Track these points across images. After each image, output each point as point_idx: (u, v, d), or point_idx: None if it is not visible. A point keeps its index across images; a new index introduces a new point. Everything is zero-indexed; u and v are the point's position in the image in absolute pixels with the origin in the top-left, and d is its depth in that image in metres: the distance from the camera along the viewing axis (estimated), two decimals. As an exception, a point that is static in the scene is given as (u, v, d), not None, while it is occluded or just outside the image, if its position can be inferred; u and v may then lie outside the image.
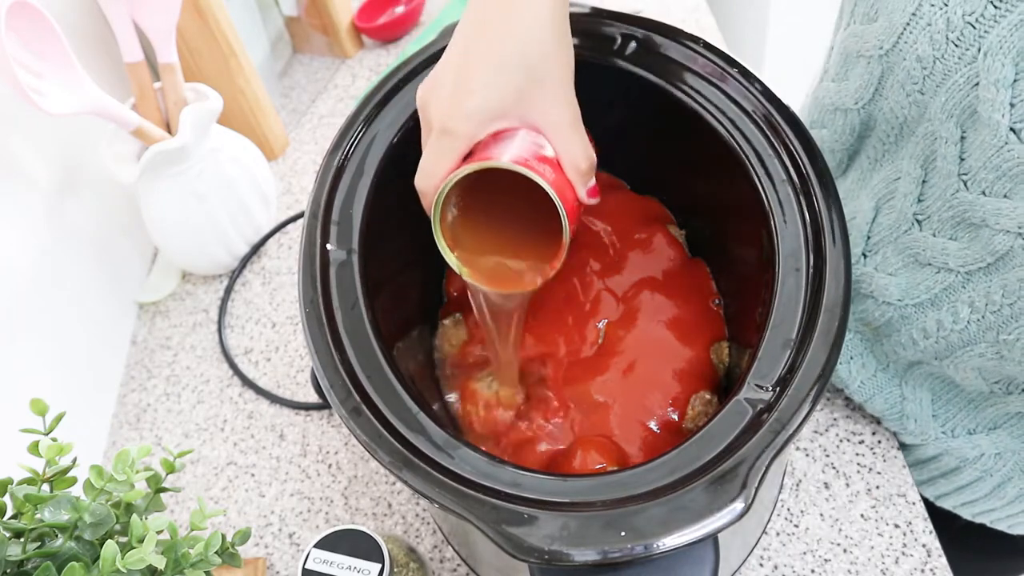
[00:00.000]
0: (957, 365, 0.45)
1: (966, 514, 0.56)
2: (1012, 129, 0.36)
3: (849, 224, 0.49)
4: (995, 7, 0.36)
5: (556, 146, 0.40)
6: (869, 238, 0.49)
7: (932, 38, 0.40)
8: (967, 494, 0.54)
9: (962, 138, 0.40)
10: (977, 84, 0.38)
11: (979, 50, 0.37)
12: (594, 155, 0.41)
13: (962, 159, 0.40)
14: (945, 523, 0.55)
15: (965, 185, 0.41)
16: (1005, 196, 0.38)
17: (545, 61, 0.39)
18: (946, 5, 0.39)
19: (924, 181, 0.44)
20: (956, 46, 0.39)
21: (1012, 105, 0.36)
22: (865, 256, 0.49)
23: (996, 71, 0.36)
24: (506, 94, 0.39)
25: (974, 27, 0.37)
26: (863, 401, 0.55)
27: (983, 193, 0.39)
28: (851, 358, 0.54)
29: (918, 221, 0.45)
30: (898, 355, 0.50)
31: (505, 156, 0.37)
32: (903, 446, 0.56)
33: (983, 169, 0.39)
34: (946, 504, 0.57)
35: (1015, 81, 0.36)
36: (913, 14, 0.40)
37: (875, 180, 0.48)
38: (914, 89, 0.42)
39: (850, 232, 0.48)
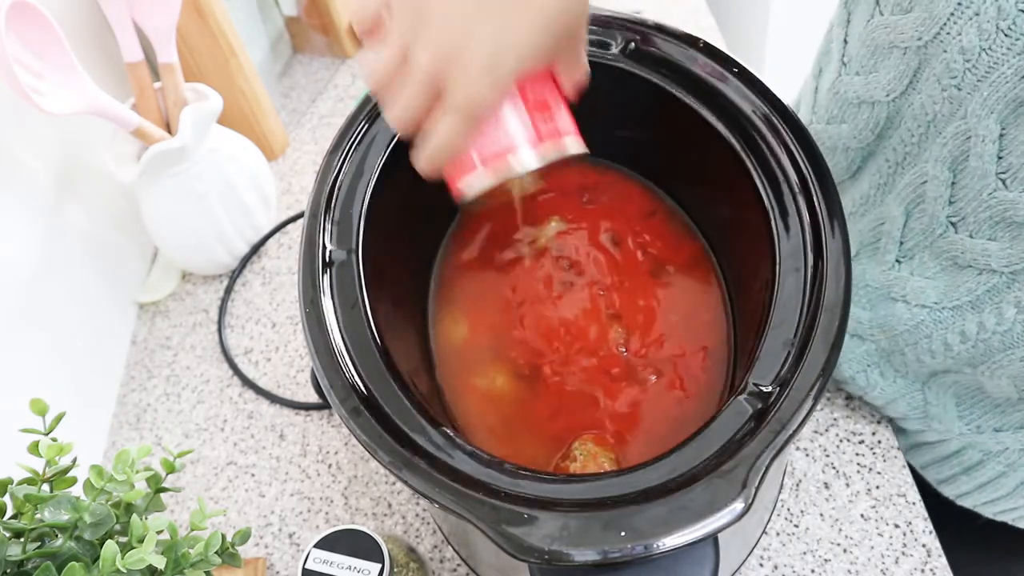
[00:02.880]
0: (993, 371, 0.45)
1: (988, 512, 0.55)
2: None
3: (879, 231, 0.50)
4: None
5: (566, 87, 0.37)
6: (902, 243, 0.48)
7: (980, 28, 0.38)
8: (989, 491, 0.54)
9: (1001, 135, 0.39)
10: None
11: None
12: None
13: (1000, 157, 0.39)
14: (964, 521, 0.55)
15: (1004, 184, 0.40)
16: None
17: (583, 16, 0.36)
18: None
19: (953, 183, 0.43)
20: (1007, 36, 0.37)
21: None
22: (899, 262, 0.48)
23: None
24: (545, 58, 0.35)
25: None
26: (883, 404, 0.54)
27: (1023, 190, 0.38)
28: (868, 367, 0.53)
29: (952, 224, 0.44)
30: (922, 363, 0.49)
31: (523, 143, 0.36)
32: (917, 445, 0.55)
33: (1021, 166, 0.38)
34: (967, 502, 0.56)
35: None
36: (959, 3, 0.39)
37: (900, 185, 0.47)
38: (951, 84, 0.41)
39: (881, 239, 0.49)
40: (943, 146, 0.43)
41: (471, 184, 0.37)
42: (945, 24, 0.40)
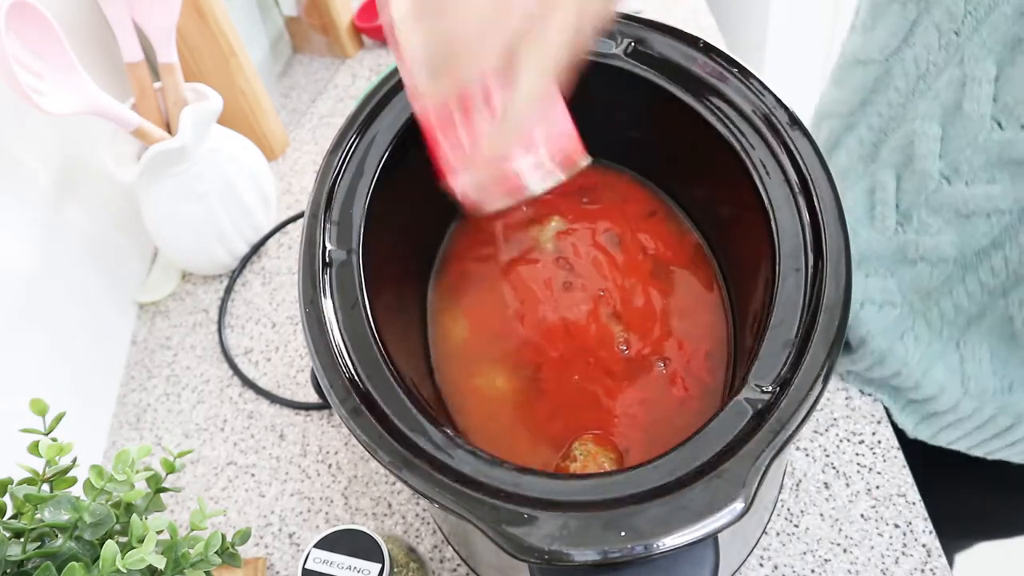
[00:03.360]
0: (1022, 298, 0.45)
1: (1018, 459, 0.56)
2: None
3: (872, 200, 0.51)
4: None
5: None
6: (898, 207, 0.49)
7: None
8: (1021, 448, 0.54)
9: (997, 77, 0.39)
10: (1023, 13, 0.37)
11: None
12: None
13: (995, 100, 0.40)
14: (1000, 471, 0.56)
15: (999, 125, 0.40)
16: None
17: None
18: None
19: (943, 137, 0.44)
20: None
21: None
22: (900, 225, 0.49)
23: None
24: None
25: None
26: (922, 376, 0.54)
27: (1022, 127, 0.39)
28: (903, 335, 0.53)
29: (945, 177, 0.45)
30: (959, 310, 0.49)
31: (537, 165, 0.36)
32: (948, 425, 0.55)
33: (1020, 104, 0.38)
34: (1002, 454, 0.56)
35: None
36: None
37: (886, 151, 0.48)
38: (950, 29, 0.41)
39: (876, 207, 0.50)
40: (934, 99, 0.43)
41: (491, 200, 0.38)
42: None
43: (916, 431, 0.57)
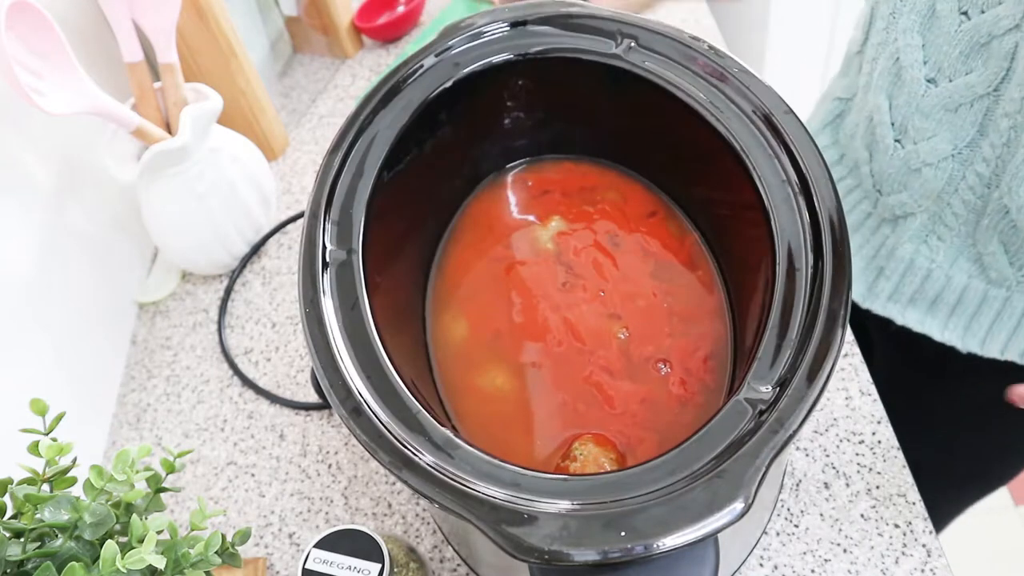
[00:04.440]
0: (1012, 187, 0.50)
1: None
2: None
3: (870, 125, 0.58)
4: None
5: None
6: (893, 124, 0.55)
7: None
8: None
9: None
10: None
11: None
12: None
13: None
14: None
15: (967, 15, 0.46)
16: (999, 2, 0.44)
17: None
18: None
19: (923, 45, 0.50)
20: None
21: None
22: (899, 142, 0.55)
23: None
24: None
25: None
26: (949, 268, 0.58)
27: (981, 11, 0.45)
28: (927, 237, 0.59)
29: (930, 81, 0.51)
30: (967, 206, 0.54)
31: None
32: (989, 325, 0.59)
33: None
34: None
35: None
36: None
37: (877, 74, 0.55)
38: None
39: (876, 129, 0.58)
40: (911, 11, 0.50)
41: None
42: None
43: (965, 342, 0.61)
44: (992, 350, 0.61)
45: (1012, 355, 0.60)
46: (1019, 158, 0.49)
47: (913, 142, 0.55)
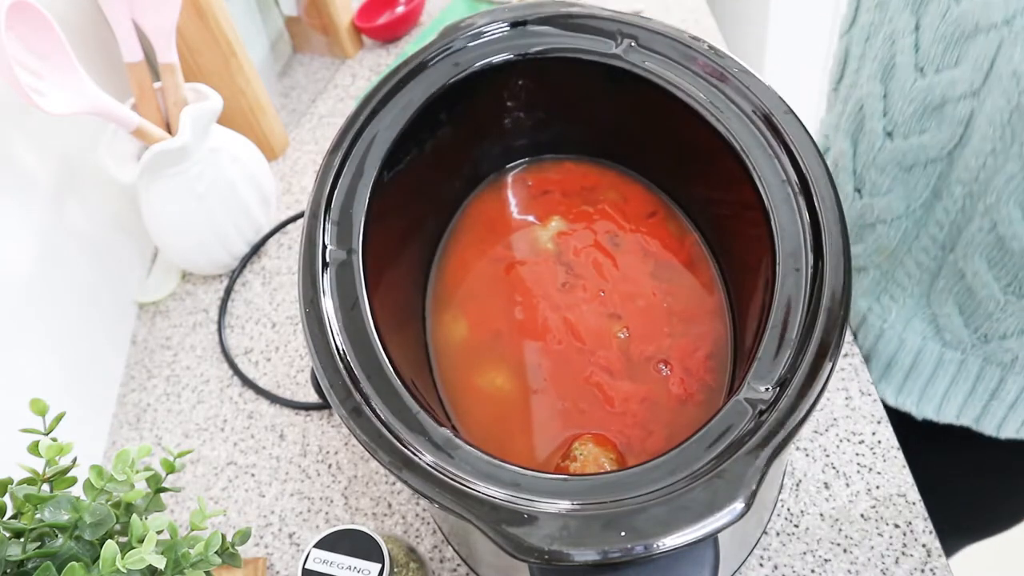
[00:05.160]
0: (967, 252, 0.48)
1: (1012, 426, 0.57)
2: None
3: (836, 169, 0.56)
4: None
5: None
6: (855, 172, 0.53)
7: None
8: (1021, 410, 0.55)
9: (917, 26, 0.43)
10: None
11: None
12: None
13: (917, 48, 0.43)
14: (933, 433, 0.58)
15: (922, 72, 0.44)
16: (955, 64, 0.41)
17: None
18: None
19: (885, 95, 0.48)
20: None
21: None
22: (858, 191, 0.53)
23: None
24: None
25: None
26: (903, 330, 0.56)
27: (936, 70, 0.42)
28: (879, 296, 0.56)
29: (888, 134, 0.48)
30: (920, 267, 0.52)
31: None
32: (942, 397, 0.57)
33: (932, 45, 0.41)
34: (1009, 430, 0.57)
35: None
36: None
37: (845, 117, 0.52)
38: None
39: (840, 174, 0.55)
40: (873, 61, 0.47)
41: None
42: None
43: (920, 409, 0.58)
44: (948, 415, 0.58)
45: (966, 420, 0.58)
46: (975, 226, 0.47)
47: (870, 195, 0.53)
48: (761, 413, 0.36)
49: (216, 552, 0.38)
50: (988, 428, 0.57)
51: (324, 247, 0.43)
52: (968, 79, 0.41)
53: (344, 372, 0.39)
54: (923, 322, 0.55)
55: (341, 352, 0.40)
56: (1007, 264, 0.46)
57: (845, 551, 0.52)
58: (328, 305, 0.41)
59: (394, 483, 0.61)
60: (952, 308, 0.52)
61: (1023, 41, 0.37)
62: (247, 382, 0.70)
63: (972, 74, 0.41)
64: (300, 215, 0.81)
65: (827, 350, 0.36)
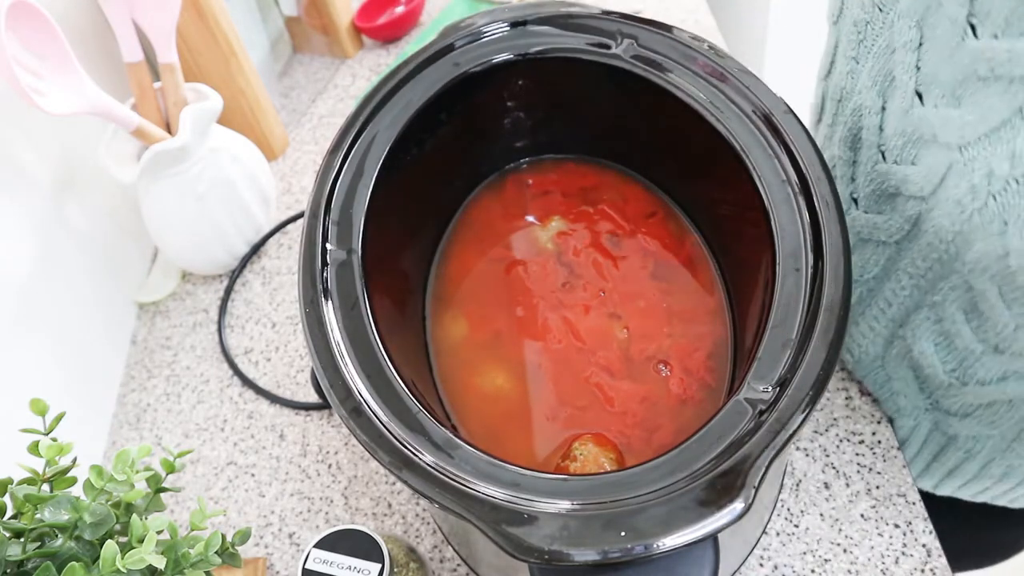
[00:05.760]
0: (915, 333, 0.47)
1: (965, 495, 0.57)
2: (917, 92, 0.38)
3: None
4: None
5: None
6: None
7: (863, 3, 0.42)
8: (959, 477, 0.55)
9: (883, 108, 0.42)
10: (895, 49, 0.39)
11: (896, 14, 0.39)
12: None
13: (881, 129, 0.42)
14: (952, 509, 0.56)
15: (883, 156, 0.43)
16: (912, 163, 0.40)
17: None
18: None
19: (854, 162, 0.47)
20: (880, 10, 0.40)
21: (918, 68, 0.38)
22: None
23: (905, 34, 0.38)
24: None
25: None
26: (862, 378, 0.56)
27: (895, 162, 0.41)
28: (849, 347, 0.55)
29: (854, 200, 0.47)
30: (873, 331, 0.51)
31: None
32: (900, 441, 0.56)
33: (894, 136, 0.40)
34: (945, 490, 0.57)
35: (920, 44, 0.37)
36: None
37: (828, 156, 0.51)
38: (851, 57, 0.44)
39: None
40: (843, 125, 0.46)
41: None
42: (844, 1, 0.45)
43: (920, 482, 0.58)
44: (926, 485, 0.58)
45: (947, 490, 0.57)
46: (922, 315, 0.46)
47: None
48: (761, 413, 0.36)
49: (216, 552, 0.38)
50: (925, 485, 0.57)
51: (324, 247, 0.43)
52: (919, 183, 0.40)
53: (344, 372, 0.39)
54: (874, 383, 0.55)
55: (341, 352, 0.40)
56: (952, 352, 0.45)
57: (845, 551, 0.52)
58: (328, 305, 0.41)
59: (394, 483, 0.61)
60: (907, 372, 0.51)
61: (971, 172, 0.36)
62: (247, 382, 0.70)
63: (923, 180, 0.40)
64: (300, 215, 0.81)
65: (827, 350, 0.36)
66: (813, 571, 0.52)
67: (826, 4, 0.51)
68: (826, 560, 0.52)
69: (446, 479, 0.35)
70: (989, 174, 0.35)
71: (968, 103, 0.35)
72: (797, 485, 0.55)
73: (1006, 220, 0.35)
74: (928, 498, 0.55)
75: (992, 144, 0.35)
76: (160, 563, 0.35)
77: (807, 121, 0.61)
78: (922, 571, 0.51)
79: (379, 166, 0.46)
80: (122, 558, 0.34)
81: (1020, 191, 0.34)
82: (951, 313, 0.43)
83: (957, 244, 0.39)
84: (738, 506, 0.32)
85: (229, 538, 0.41)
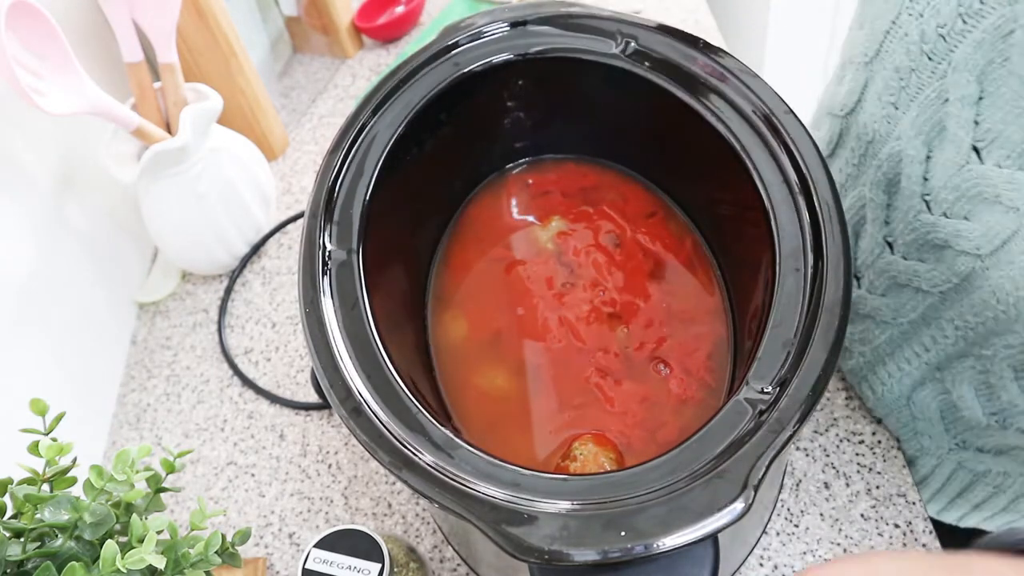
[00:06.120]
0: (955, 378, 0.46)
1: (990, 527, 0.56)
2: (975, 147, 0.36)
3: None
4: (964, 22, 0.36)
5: None
6: (856, 260, 0.49)
7: (908, 49, 0.40)
8: (986, 510, 0.54)
9: (928, 157, 0.40)
10: (947, 100, 0.37)
11: (949, 64, 0.37)
12: None
13: (926, 179, 0.41)
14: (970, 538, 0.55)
15: (928, 207, 0.41)
16: (965, 218, 0.39)
17: None
18: (921, 16, 0.38)
19: (888, 205, 0.45)
20: (929, 59, 0.39)
21: (976, 123, 0.36)
22: (857, 279, 0.50)
23: (962, 87, 0.36)
24: None
25: (945, 41, 0.37)
26: (883, 416, 0.55)
27: (944, 215, 0.40)
28: (860, 380, 0.55)
29: (888, 244, 0.46)
30: (902, 372, 0.50)
31: None
32: (920, 479, 0.55)
33: (944, 189, 0.39)
34: (969, 523, 0.56)
35: (980, 99, 0.36)
36: (893, 22, 0.40)
37: (845, 207, 0.48)
38: (889, 101, 0.42)
39: None
40: (878, 168, 0.44)
41: None
42: (883, 42, 0.42)
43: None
44: (949, 518, 0.57)
45: (971, 522, 0.56)
46: (967, 364, 0.44)
47: (867, 290, 0.50)
48: (761, 413, 0.36)
49: (216, 552, 0.38)
50: (949, 519, 0.57)
51: (324, 247, 0.43)
52: (975, 240, 0.38)
53: (344, 372, 0.39)
54: (897, 422, 0.53)
55: (341, 352, 0.40)
56: (995, 401, 0.44)
57: (845, 551, 0.52)
58: (328, 305, 0.41)
59: (394, 483, 0.61)
60: (935, 413, 0.50)
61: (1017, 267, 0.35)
62: (247, 382, 0.70)
63: (981, 239, 0.38)
64: (300, 215, 0.81)
65: (827, 350, 0.36)
66: (813, 571, 0.52)
67: (827, 3, 0.50)
68: (826, 560, 0.52)
69: (446, 479, 0.35)
70: None
71: None
72: (797, 485, 0.55)
73: None
74: (940, 527, 0.54)
75: None
76: (160, 563, 0.35)
77: (808, 119, 0.60)
78: (922, 571, 0.50)
79: (379, 166, 0.46)
80: (122, 558, 0.34)
81: None
82: (1000, 369, 0.42)
83: (1019, 308, 0.38)
84: (738, 506, 0.32)
85: (229, 538, 0.41)
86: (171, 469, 0.42)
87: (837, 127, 0.50)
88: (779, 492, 0.54)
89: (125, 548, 0.36)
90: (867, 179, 0.46)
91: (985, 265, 0.38)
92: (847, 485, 0.54)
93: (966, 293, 0.41)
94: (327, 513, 0.61)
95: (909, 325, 0.47)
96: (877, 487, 0.54)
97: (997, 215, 0.36)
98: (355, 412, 0.38)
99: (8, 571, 0.36)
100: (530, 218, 0.55)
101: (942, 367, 0.46)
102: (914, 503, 0.53)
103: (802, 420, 0.35)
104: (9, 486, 0.39)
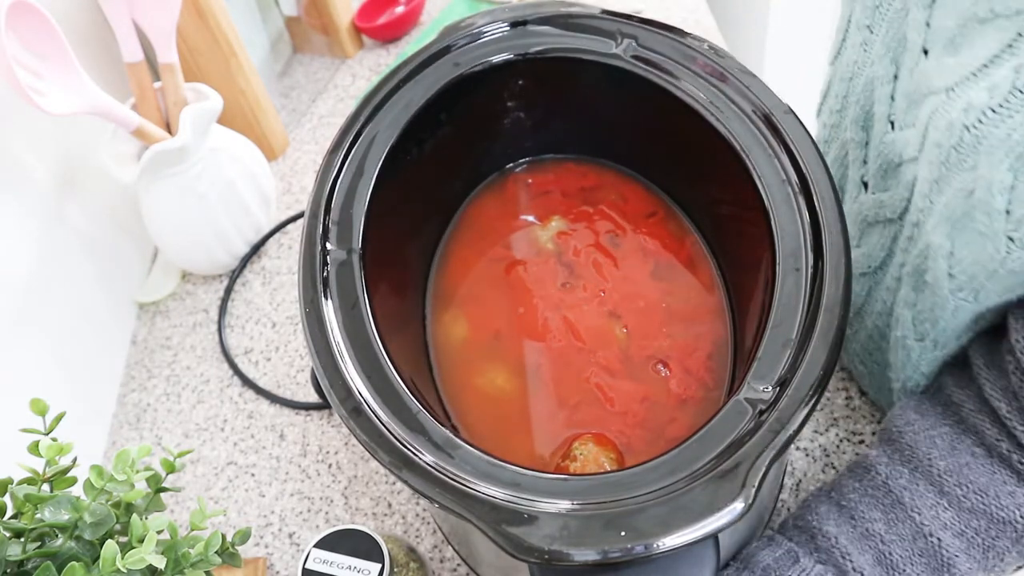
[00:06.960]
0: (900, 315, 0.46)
1: None
2: (924, 49, 0.36)
3: None
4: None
5: None
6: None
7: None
8: None
9: (895, 76, 0.40)
10: (908, 12, 0.37)
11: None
12: None
13: (892, 99, 0.40)
14: None
15: (892, 125, 0.41)
16: (913, 125, 0.38)
17: None
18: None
19: (867, 143, 0.44)
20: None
21: (928, 25, 0.36)
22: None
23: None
24: None
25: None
26: (858, 373, 0.55)
27: (901, 128, 0.39)
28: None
29: (864, 184, 0.45)
30: (878, 331, 0.50)
31: None
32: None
33: (902, 100, 0.39)
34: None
35: (933, 1, 0.35)
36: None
37: (830, 160, 0.49)
38: (865, 25, 0.42)
39: None
40: (856, 103, 0.45)
41: None
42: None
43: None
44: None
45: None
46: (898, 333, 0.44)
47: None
48: (761, 413, 0.36)
49: (216, 552, 0.38)
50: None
51: (324, 247, 0.43)
52: (914, 143, 0.38)
53: (344, 372, 0.39)
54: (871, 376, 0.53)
55: (341, 352, 0.40)
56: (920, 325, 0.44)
57: (845, 551, 0.52)
58: (328, 305, 0.41)
59: (394, 483, 0.61)
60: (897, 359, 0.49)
61: (950, 110, 0.34)
62: (247, 382, 0.70)
63: (916, 137, 0.37)
64: (300, 215, 0.81)
65: (827, 350, 0.36)
66: (813, 571, 0.52)
67: (827, 3, 0.51)
68: (826, 560, 0.52)
69: (446, 479, 0.35)
70: (967, 107, 0.33)
71: (965, 48, 0.33)
72: (797, 485, 0.55)
73: (979, 151, 0.33)
74: None
75: (977, 80, 0.33)
76: (160, 563, 0.35)
77: (808, 119, 0.59)
78: (922, 571, 0.50)
79: (379, 166, 0.46)
80: (122, 558, 0.34)
81: (996, 120, 0.31)
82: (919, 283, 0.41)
83: (932, 198, 0.36)
84: (738, 506, 0.32)
85: (229, 538, 0.41)
86: (171, 469, 0.42)
87: (826, 80, 0.50)
88: (779, 492, 0.54)
89: (125, 548, 0.36)
90: (848, 120, 0.46)
91: (919, 164, 0.37)
92: (847, 485, 0.54)
93: (893, 258, 0.41)
94: (327, 513, 0.61)
95: (878, 269, 0.47)
96: (877, 487, 0.54)
97: (927, 107, 0.36)
98: (355, 412, 0.38)
99: (8, 571, 0.36)
100: (530, 218, 0.55)
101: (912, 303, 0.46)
102: (914, 503, 0.53)
103: (802, 420, 0.35)
104: (9, 486, 0.39)
